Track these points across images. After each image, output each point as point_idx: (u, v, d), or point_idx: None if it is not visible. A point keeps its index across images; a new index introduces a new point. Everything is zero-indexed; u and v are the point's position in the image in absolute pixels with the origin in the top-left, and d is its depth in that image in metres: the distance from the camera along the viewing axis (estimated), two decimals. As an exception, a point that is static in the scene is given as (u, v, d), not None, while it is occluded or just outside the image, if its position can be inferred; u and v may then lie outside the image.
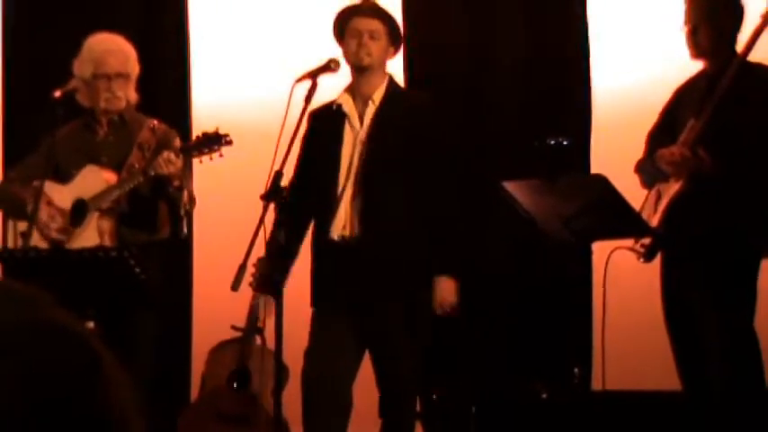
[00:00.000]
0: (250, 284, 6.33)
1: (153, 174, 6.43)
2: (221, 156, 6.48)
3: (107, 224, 6.54)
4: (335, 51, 6.58)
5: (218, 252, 7.93)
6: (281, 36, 7.73)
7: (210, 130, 6.53)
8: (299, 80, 6.37)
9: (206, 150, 6.50)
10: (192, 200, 6.72)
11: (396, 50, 6.70)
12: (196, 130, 8.02)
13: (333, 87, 6.66)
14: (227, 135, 6.47)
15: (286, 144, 6.18)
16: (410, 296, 6.44)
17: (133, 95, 6.85)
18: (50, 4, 8.53)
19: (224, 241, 7.77)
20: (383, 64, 6.65)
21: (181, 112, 8.13)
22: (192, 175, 6.71)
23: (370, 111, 6.58)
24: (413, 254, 6.46)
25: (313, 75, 6.39)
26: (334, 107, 6.60)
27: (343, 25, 6.64)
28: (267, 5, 8.47)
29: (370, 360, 6.54)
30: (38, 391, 0.80)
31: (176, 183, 6.53)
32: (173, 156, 6.42)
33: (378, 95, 6.59)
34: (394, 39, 6.64)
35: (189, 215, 6.95)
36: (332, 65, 6.46)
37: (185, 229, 6.98)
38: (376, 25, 6.56)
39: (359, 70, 6.59)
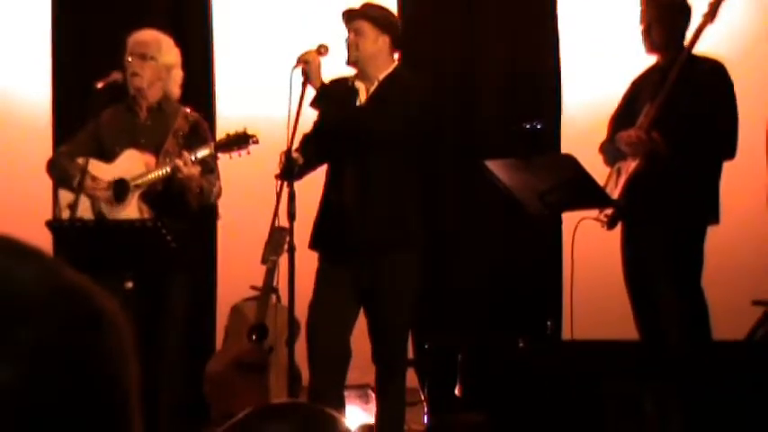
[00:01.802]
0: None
1: (180, 173, 6.46)
2: (249, 153, 6.48)
3: (145, 203, 6.55)
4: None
5: (239, 223, 7.96)
6: (294, 37, 7.72)
7: (239, 129, 6.51)
8: (295, 66, 6.42)
9: (235, 148, 6.51)
10: (219, 190, 6.73)
11: (391, 35, 6.55)
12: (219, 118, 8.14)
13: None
14: (254, 135, 6.45)
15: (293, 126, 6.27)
16: (398, 253, 6.45)
17: (175, 90, 6.80)
18: (94, 5, 8.53)
19: (244, 213, 7.81)
20: (381, 54, 6.54)
21: (205, 102, 8.12)
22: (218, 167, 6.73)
23: (371, 88, 6.56)
24: (398, 216, 6.46)
25: (305, 60, 6.41)
26: (350, 82, 6.62)
27: (346, 25, 6.66)
28: (283, 16, 8.49)
29: (364, 311, 6.50)
30: (47, 346, 0.82)
31: (196, 189, 6.52)
32: (188, 160, 6.43)
33: (382, 76, 6.55)
34: (383, 27, 6.52)
35: (216, 203, 6.96)
36: (321, 50, 6.46)
37: (213, 206, 6.98)
38: (359, 24, 6.51)
39: (353, 65, 6.60)
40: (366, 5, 6.61)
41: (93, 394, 0.84)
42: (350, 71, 6.60)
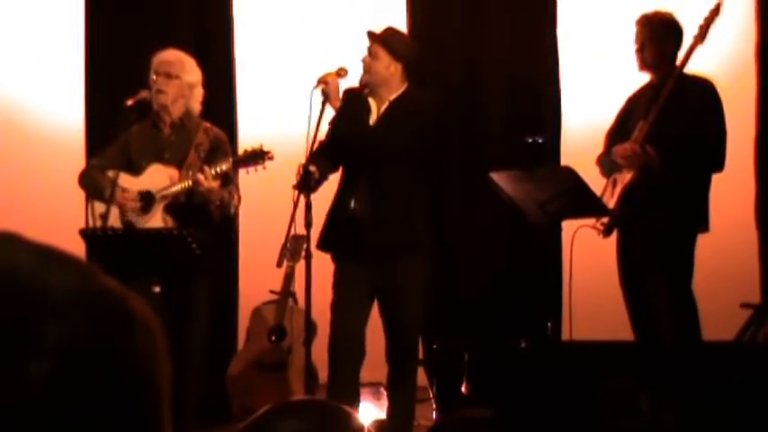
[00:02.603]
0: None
1: (200, 186, 6.48)
2: (264, 168, 6.48)
3: (169, 214, 6.56)
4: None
5: (259, 231, 7.98)
6: (314, 60, 7.73)
7: (256, 146, 6.51)
8: (315, 87, 6.44)
9: (251, 164, 6.51)
10: (238, 200, 6.74)
11: (402, 62, 6.54)
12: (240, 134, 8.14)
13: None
14: (269, 152, 6.45)
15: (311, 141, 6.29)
16: (408, 259, 6.44)
17: (196, 106, 6.82)
18: (124, 27, 8.55)
19: (264, 223, 7.83)
20: (392, 75, 6.52)
21: (226, 121, 8.12)
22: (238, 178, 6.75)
23: (382, 108, 6.57)
24: (408, 223, 6.47)
25: (324, 81, 6.46)
26: (363, 96, 6.57)
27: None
28: (304, 40, 8.50)
29: (380, 313, 6.52)
30: (80, 344, 0.82)
31: (217, 203, 6.52)
32: (209, 175, 6.45)
33: (393, 98, 6.54)
34: (397, 55, 6.51)
35: (236, 213, 6.97)
36: (340, 72, 6.51)
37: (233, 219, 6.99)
38: (375, 48, 6.49)
39: (364, 86, 6.61)
40: (387, 31, 6.61)
41: (125, 393, 0.84)
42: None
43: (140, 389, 0.85)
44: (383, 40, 6.54)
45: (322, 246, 6.55)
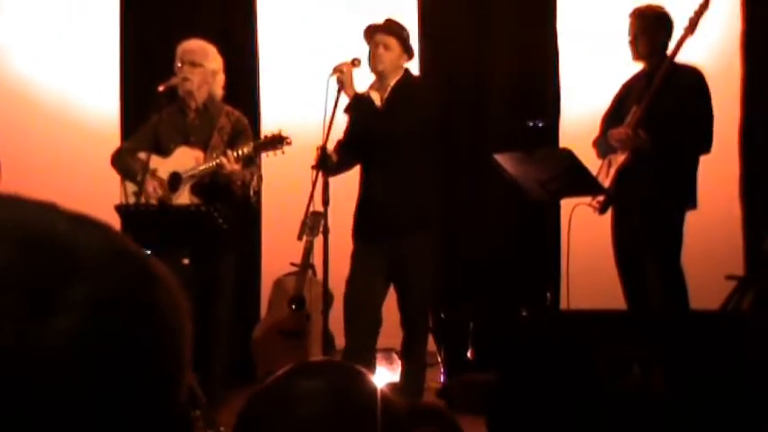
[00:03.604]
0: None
1: (224, 169, 6.51)
2: (283, 153, 6.49)
3: (195, 194, 6.57)
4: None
5: (281, 208, 7.99)
6: (330, 50, 7.72)
7: (276, 132, 6.52)
8: (331, 75, 6.44)
9: (270, 148, 6.52)
10: (259, 180, 6.76)
11: (409, 56, 6.65)
12: (263, 120, 8.14)
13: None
14: (287, 137, 6.45)
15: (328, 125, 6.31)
16: (417, 236, 6.46)
17: (218, 91, 6.85)
18: (155, 19, 8.56)
19: (284, 200, 7.84)
20: (398, 67, 6.61)
21: (250, 107, 8.12)
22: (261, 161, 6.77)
23: (384, 95, 6.59)
24: (415, 204, 6.49)
25: (339, 70, 6.46)
26: (366, 94, 6.63)
27: (369, 36, 6.68)
28: (321, 32, 8.50)
29: (393, 287, 6.55)
30: (105, 299, 0.83)
31: (239, 183, 6.53)
32: (231, 158, 6.47)
33: (393, 83, 6.59)
34: (406, 48, 6.61)
35: (258, 192, 6.98)
36: (355, 62, 6.52)
37: (255, 198, 6.99)
38: (389, 40, 6.56)
39: (375, 73, 6.64)
40: (391, 22, 6.63)
41: (146, 345, 0.85)
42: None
43: (161, 342, 0.86)
44: (394, 31, 6.56)
45: (353, 234, 6.61)
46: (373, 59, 6.55)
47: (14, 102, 8.59)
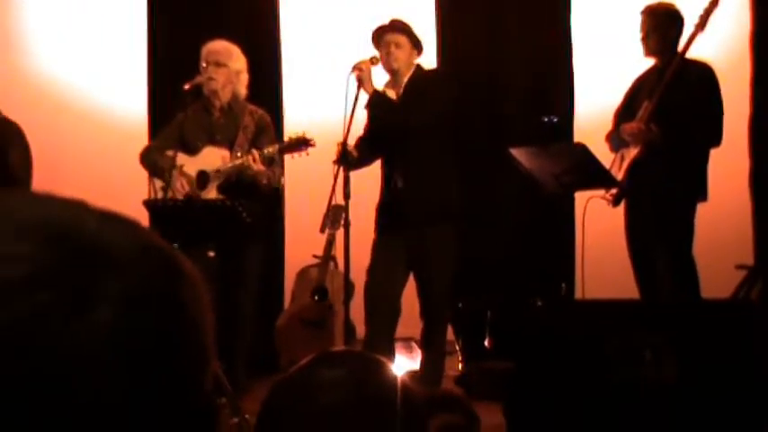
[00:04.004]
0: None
1: (250, 169, 6.51)
2: (307, 155, 6.49)
3: (221, 192, 6.59)
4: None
5: (303, 202, 7.99)
6: (350, 49, 7.72)
7: (300, 134, 6.52)
8: (351, 73, 6.46)
9: (295, 150, 6.52)
10: (282, 179, 6.77)
11: (419, 52, 6.67)
12: (285, 117, 8.14)
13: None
14: (311, 140, 6.46)
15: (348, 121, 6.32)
16: (437, 227, 6.47)
17: (242, 90, 6.86)
18: (182, 21, 8.57)
19: (307, 194, 7.84)
20: (410, 64, 6.64)
21: (273, 105, 8.14)
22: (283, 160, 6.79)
23: (399, 91, 6.61)
24: (435, 196, 6.50)
25: (359, 68, 6.47)
26: (382, 91, 6.63)
27: (378, 38, 6.69)
28: (341, 32, 8.50)
29: (414, 277, 6.56)
30: (134, 293, 0.83)
31: (264, 181, 6.55)
32: (257, 157, 6.48)
33: (406, 79, 6.61)
34: (415, 44, 6.63)
35: (281, 189, 6.99)
36: (373, 60, 6.54)
37: (278, 191, 7.02)
38: (399, 38, 6.58)
39: (390, 73, 6.65)
40: (399, 22, 6.66)
41: (174, 336, 0.85)
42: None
43: (187, 335, 0.87)
44: (404, 30, 6.59)
45: (375, 227, 6.62)
46: (387, 59, 6.56)
47: (47, 101, 8.63)
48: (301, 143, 6.48)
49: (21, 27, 8.80)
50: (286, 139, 6.67)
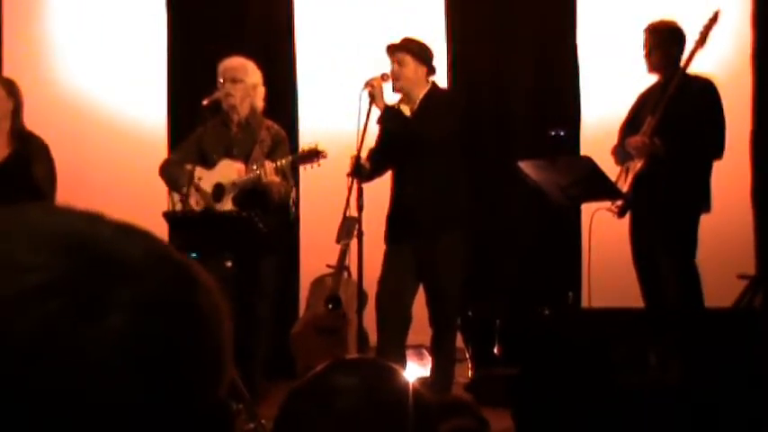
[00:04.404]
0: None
1: (263, 179, 6.53)
2: (319, 165, 6.48)
3: (237, 204, 6.60)
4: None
5: (318, 214, 7.99)
6: (363, 66, 7.72)
7: (312, 145, 6.52)
8: (363, 89, 6.48)
9: (307, 161, 6.51)
10: (294, 191, 6.78)
11: (427, 66, 6.63)
12: (301, 130, 8.15)
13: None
14: (323, 151, 6.43)
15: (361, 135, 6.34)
16: (447, 237, 6.46)
17: (259, 104, 6.87)
18: (201, 37, 8.60)
19: (321, 206, 7.84)
20: (420, 79, 6.60)
21: (289, 118, 8.15)
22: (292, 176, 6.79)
23: (414, 107, 6.59)
24: (445, 207, 6.48)
25: (371, 84, 6.49)
26: (396, 106, 6.64)
27: (389, 56, 6.69)
28: (354, 48, 8.51)
29: (423, 286, 6.54)
30: (149, 301, 0.84)
31: (276, 194, 6.56)
32: (271, 170, 6.49)
33: (421, 96, 6.59)
34: (421, 58, 6.59)
35: (296, 203, 7.00)
36: (384, 77, 6.54)
37: (293, 210, 7.02)
38: (402, 56, 6.56)
39: (396, 90, 6.60)
40: (407, 40, 6.65)
41: (189, 343, 0.86)
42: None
43: (201, 342, 0.87)
44: (407, 48, 6.58)
45: (386, 237, 6.61)
46: (392, 76, 6.56)
47: (72, 115, 8.65)
48: (313, 154, 6.48)
49: (47, 42, 8.83)
50: (299, 151, 6.69)
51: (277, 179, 6.51)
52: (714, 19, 6.56)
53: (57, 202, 0.92)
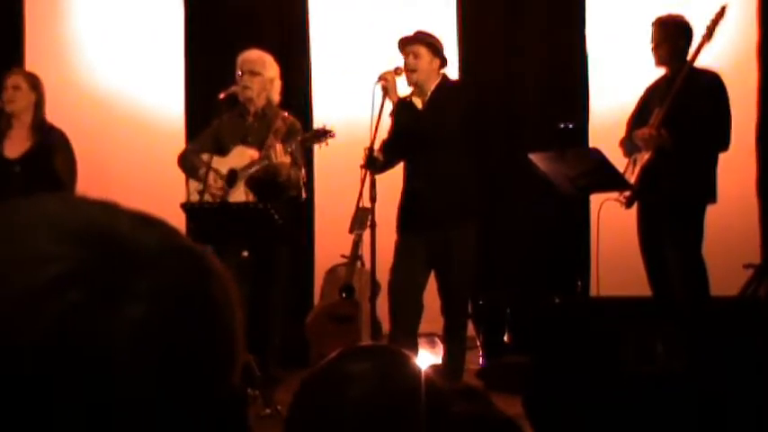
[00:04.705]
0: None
1: (272, 161, 6.52)
2: (327, 144, 6.49)
3: (250, 189, 6.60)
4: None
5: (332, 204, 8.00)
6: (376, 59, 7.72)
7: (320, 126, 6.56)
8: (376, 83, 6.48)
9: (316, 141, 6.54)
10: (302, 180, 6.78)
11: (442, 62, 6.61)
12: (315, 122, 8.16)
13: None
14: (331, 131, 6.45)
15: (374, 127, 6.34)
16: (459, 227, 6.46)
17: (276, 97, 6.87)
18: (217, 31, 8.62)
19: (335, 197, 7.85)
20: (432, 71, 6.57)
21: (303, 112, 8.16)
22: (304, 154, 6.78)
23: (425, 99, 6.57)
24: (457, 198, 6.48)
25: (384, 78, 6.49)
26: (408, 99, 6.64)
27: (401, 49, 6.67)
28: (368, 42, 8.51)
29: (435, 274, 6.53)
30: (166, 291, 0.84)
31: (286, 176, 6.54)
32: (281, 151, 6.49)
33: (434, 87, 6.57)
34: (435, 53, 6.56)
35: (305, 184, 7.00)
36: (398, 70, 6.54)
37: (304, 194, 7.02)
38: (417, 48, 6.54)
39: (411, 84, 6.59)
40: (421, 33, 6.62)
41: (203, 331, 0.86)
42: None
43: (215, 330, 0.87)
44: (423, 40, 6.56)
45: (398, 226, 6.60)
46: (406, 69, 6.54)
47: (95, 110, 8.66)
48: (321, 134, 6.50)
49: (67, 38, 8.84)
50: (310, 131, 6.72)
51: (286, 160, 6.51)
52: (721, 14, 6.54)
53: (76, 193, 0.92)
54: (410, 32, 6.65)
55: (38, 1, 8.82)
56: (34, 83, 6.98)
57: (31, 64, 8.34)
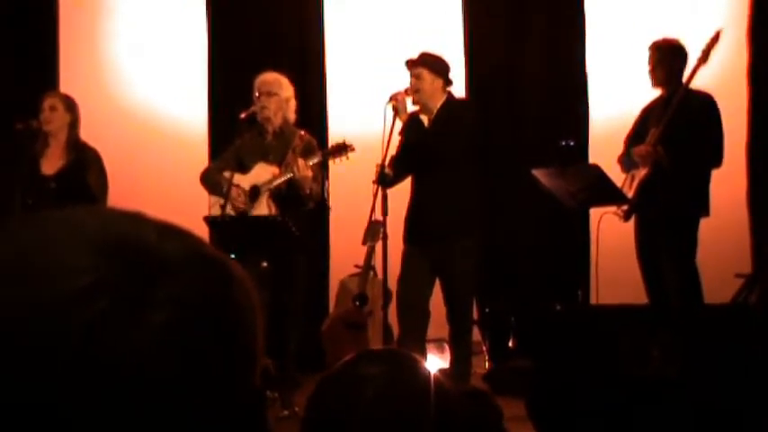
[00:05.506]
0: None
1: (296, 175, 6.52)
2: (347, 159, 6.52)
3: (273, 202, 6.60)
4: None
5: (346, 217, 7.99)
6: (388, 79, 7.72)
7: (340, 140, 6.58)
8: (387, 103, 6.48)
9: (336, 155, 6.57)
10: (321, 195, 6.77)
11: (444, 77, 6.56)
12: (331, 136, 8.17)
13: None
14: (351, 145, 6.49)
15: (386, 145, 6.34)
16: (460, 240, 6.43)
17: (291, 116, 6.86)
18: (239, 52, 8.65)
19: (349, 210, 7.84)
20: (436, 91, 6.53)
21: (319, 129, 8.18)
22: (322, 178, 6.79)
23: (431, 118, 6.55)
24: (459, 212, 6.45)
25: (395, 98, 6.47)
26: (415, 116, 6.62)
27: (408, 71, 6.67)
28: (380, 63, 8.52)
29: (440, 283, 6.50)
30: (189, 298, 0.84)
31: (307, 190, 6.52)
32: (303, 165, 6.50)
33: (437, 107, 6.54)
34: (437, 71, 6.53)
35: (326, 201, 7.00)
36: (408, 91, 6.51)
37: (330, 205, 7.02)
38: (419, 70, 6.51)
39: (414, 103, 6.56)
40: (423, 55, 6.61)
41: (225, 336, 0.86)
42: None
43: (238, 335, 0.87)
44: (423, 62, 6.55)
45: (404, 237, 6.59)
46: (411, 94, 6.54)
47: (125, 128, 8.67)
48: (342, 148, 6.52)
49: (101, 61, 8.87)
50: (329, 146, 6.73)
51: (309, 174, 6.51)
52: (716, 38, 6.53)
53: (101, 207, 0.91)
54: (415, 55, 6.65)
55: (72, 26, 8.85)
56: (69, 104, 7.04)
57: (64, 85, 8.37)
